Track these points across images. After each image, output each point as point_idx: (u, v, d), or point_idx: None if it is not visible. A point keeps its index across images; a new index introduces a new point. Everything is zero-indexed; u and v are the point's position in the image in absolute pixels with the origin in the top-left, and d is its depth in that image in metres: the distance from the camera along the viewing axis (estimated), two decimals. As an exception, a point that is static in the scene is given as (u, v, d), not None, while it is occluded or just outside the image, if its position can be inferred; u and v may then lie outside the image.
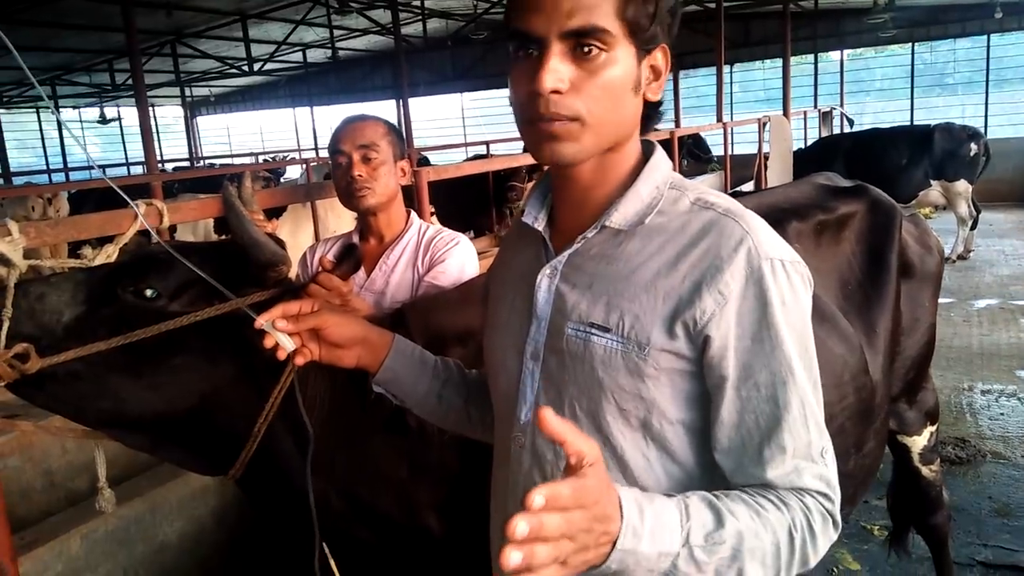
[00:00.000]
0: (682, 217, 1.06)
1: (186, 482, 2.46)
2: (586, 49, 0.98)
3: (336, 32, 15.48)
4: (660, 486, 1.06)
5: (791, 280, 1.02)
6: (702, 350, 1.01)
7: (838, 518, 1.02)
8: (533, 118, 1.00)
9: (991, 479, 4.02)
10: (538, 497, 0.75)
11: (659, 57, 1.06)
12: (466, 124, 20.24)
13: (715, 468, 1.05)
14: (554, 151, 1.01)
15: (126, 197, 1.39)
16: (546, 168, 1.18)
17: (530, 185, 7.95)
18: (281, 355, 1.23)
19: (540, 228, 1.16)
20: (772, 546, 0.94)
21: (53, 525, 2.24)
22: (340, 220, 6.44)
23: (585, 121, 1.00)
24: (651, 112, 1.11)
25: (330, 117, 21.68)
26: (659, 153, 1.13)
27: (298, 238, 6.04)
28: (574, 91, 0.98)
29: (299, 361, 1.24)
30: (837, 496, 1.02)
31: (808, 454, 1.00)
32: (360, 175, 2.05)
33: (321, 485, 1.59)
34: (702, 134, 11.95)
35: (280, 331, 1.22)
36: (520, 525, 0.74)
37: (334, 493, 1.67)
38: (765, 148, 9.80)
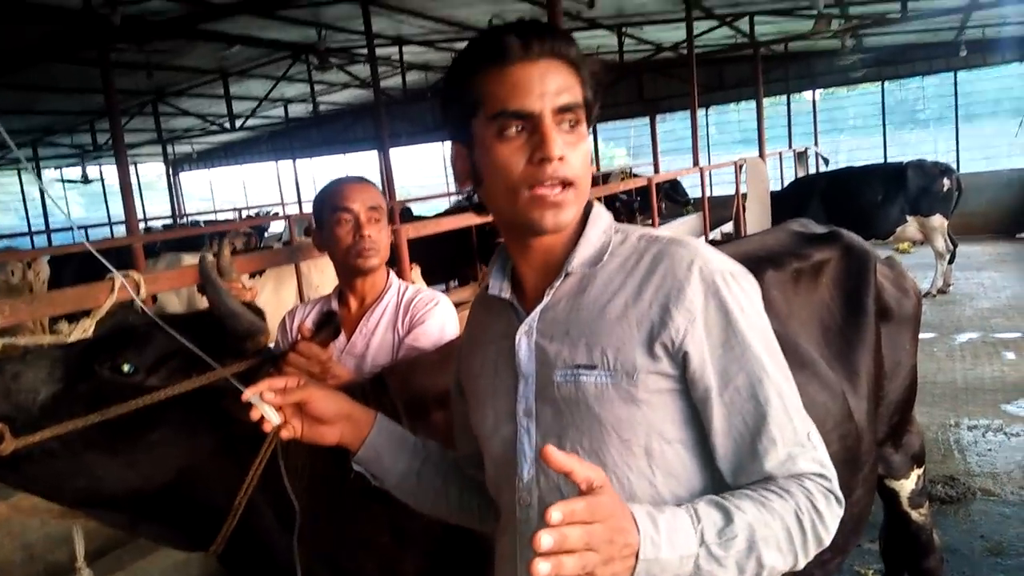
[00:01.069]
0: (634, 255, 1.17)
1: (168, 554, 2.42)
2: (571, 123, 1.10)
3: (317, 87, 15.64)
4: None
5: (743, 287, 1.13)
6: (683, 366, 1.09)
7: (839, 494, 1.09)
8: (536, 185, 1.09)
9: (982, 517, 4.00)
10: (556, 513, 0.83)
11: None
12: (448, 173, 20.39)
13: (716, 486, 1.12)
14: (558, 218, 1.11)
15: (110, 266, 1.39)
16: (501, 240, 1.26)
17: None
18: (267, 428, 1.24)
19: (507, 296, 1.24)
20: (783, 531, 1.02)
21: (32, 602, 2.18)
22: (324, 276, 6.43)
23: (578, 187, 1.11)
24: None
25: (313, 170, 21.80)
26: (597, 205, 1.25)
27: (281, 295, 6.03)
28: (566, 160, 1.09)
29: (284, 435, 1.26)
30: (833, 474, 1.10)
31: (797, 440, 1.08)
32: (371, 235, 2.06)
33: (305, 555, 1.56)
34: (679, 178, 12.15)
35: (267, 404, 1.23)
36: (544, 538, 0.81)
37: (318, 563, 1.65)
38: (743, 189, 9.92)
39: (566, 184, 1.09)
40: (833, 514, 1.07)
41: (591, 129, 1.21)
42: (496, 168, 1.11)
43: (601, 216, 1.22)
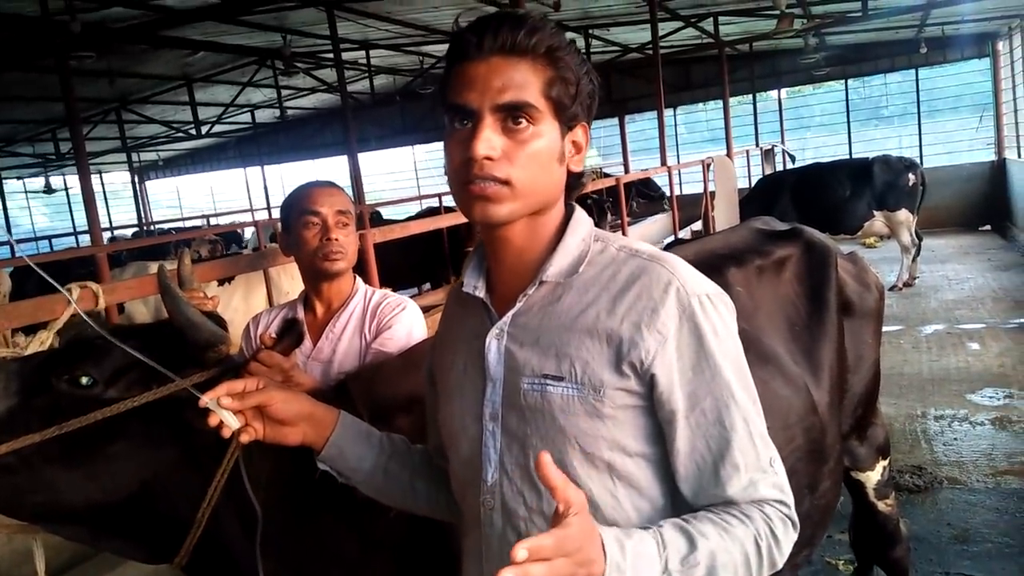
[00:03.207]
0: (611, 266, 1.16)
1: (136, 567, 2.38)
2: (516, 120, 1.08)
3: (283, 92, 15.52)
4: (630, 522, 1.12)
5: (718, 311, 1.13)
6: (650, 387, 1.09)
7: (795, 519, 1.12)
8: (466, 181, 1.09)
9: (949, 505, 4.07)
10: (521, 551, 0.83)
11: (580, 134, 1.17)
12: (419, 176, 20.34)
13: (679, 496, 1.14)
14: (485, 210, 1.10)
15: (55, 283, 1.37)
16: (478, 239, 1.25)
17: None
18: (226, 433, 1.23)
19: (481, 295, 1.22)
20: (742, 556, 1.05)
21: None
22: (294, 281, 6.37)
23: (513, 185, 1.09)
24: (573, 182, 1.20)
25: (281, 175, 21.62)
26: (579, 211, 1.23)
27: (251, 302, 5.97)
28: (505, 158, 1.08)
29: (244, 439, 1.24)
30: (791, 499, 1.13)
31: (759, 466, 1.10)
32: (338, 239, 2.05)
33: (272, 567, 1.55)
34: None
35: (225, 408, 1.21)
36: None
37: (285, 573, 1.63)
38: (711, 187, 10.01)
39: (499, 181, 1.08)
40: (789, 539, 1.10)
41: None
42: (447, 161, 1.13)
43: (581, 223, 1.20)
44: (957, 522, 3.88)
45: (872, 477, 2.65)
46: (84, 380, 1.47)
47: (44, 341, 1.66)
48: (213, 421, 1.21)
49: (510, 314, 1.17)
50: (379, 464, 1.35)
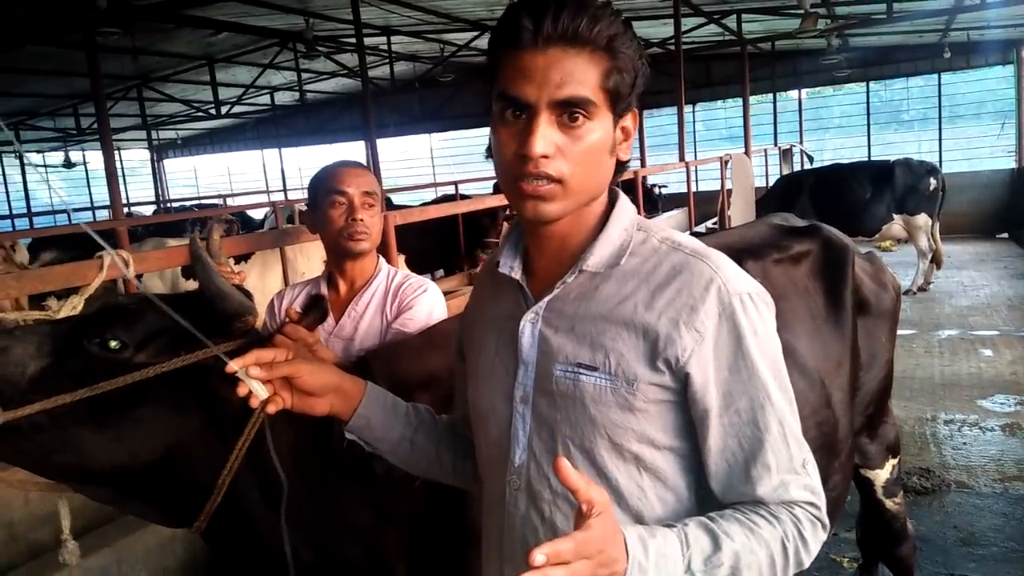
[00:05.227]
0: (653, 258, 1.13)
1: (153, 532, 2.43)
2: (572, 117, 1.05)
3: (304, 75, 15.55)
4: (655, 512, 1.12)
5: (759, 310, 1.10)
6: (684, 383, 1.08)
7: (826, 521, 1.11)
8: (518, 176, 1.06)
9: (956, 508, 4.08)
10: (539, 555, 0.84)
11: (629, 119, 1.14)
12: (435, 164, 20.36)
13: (705, 490, 1.13)
14: (538, 209, 1.08)
15: (103, 243, 1.39)
16: (515, 220, 1.24)
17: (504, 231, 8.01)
18: (254, 403, 1.23)
19: (517, 277, 1.21)
20: (767, 558, 1.04)
21: (15, 579, 2.19)
22: (310, 262, 6.42)
23: (567, 183, 1.06)
24: (618, 169, 1.17)
25: (298, 159, 21.68)
26: (623, 198, 1.20)
27: (267, 281, 6.02)
28: (559, 155, 1.05)
29: (271, 409, 1.25)
30: (823, 501, 1.11)
31: (791, 468, 1.09)
32: (363, 219, 2.08)
33: (290, 536, 1.58)
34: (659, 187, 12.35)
35: (253, 378, 1.22)
36: None
37: (303, 544, 1.66)
38: (728, 185, 9.98)
39: (552, 180, 1.05)
40: (817, 539, 1.09)
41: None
42: (496, 148, 1.10)
43: (625, 211, 1.18)
44: (964, 525, 3.89)
45: (881, 475, 2.67)
46: (114, 344, 1.49)
47: (76, 306, 1.69)
48: (242, 390, 1.22)
49: (546, 299, 1.16)
50: (405, 435, 1.37)
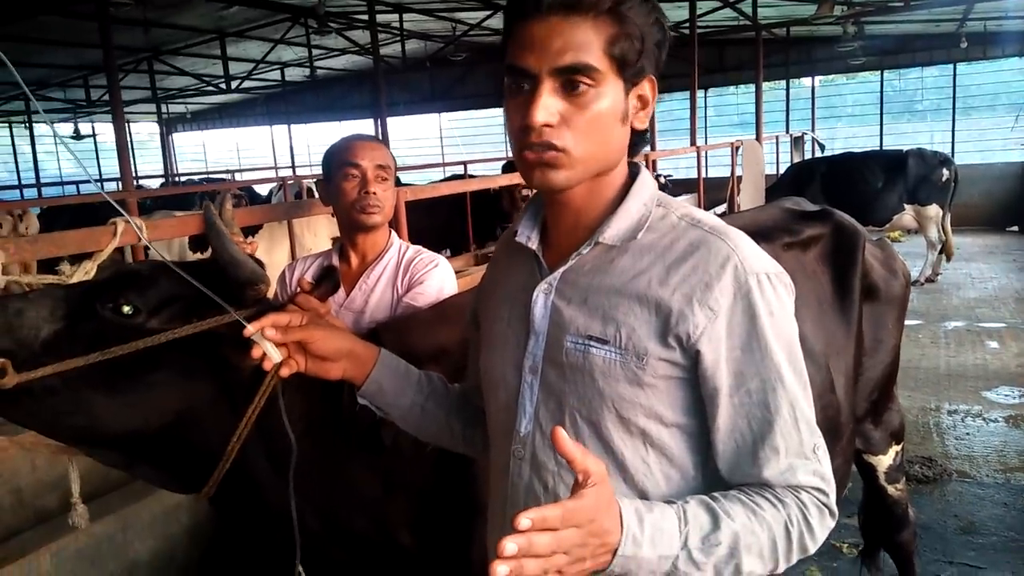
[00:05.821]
0: (670, 233, 1.13)
1: (159, 499, 2.45)
2: (575, 86, 1.04)
3: (315, 51, 15.50)
4: (659, 488, 1.12)
5: (776, 291, 1.09)
6: (695, 361, 1.07)
7: (834, 508, 1.09)
8: (524, 147, 1.07)
9: (957, 497, 4.10)
10: (524, 520, 0.84)
11: (646, 87, 1.12)
12: (444, 144, 20.31)
13: (710, 468, 1.12)
14: (545, 177, 1.08)
15: (120, 208, 1.41)
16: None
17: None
18: (267, 366, 1.24)
19: (534, 247, 1.21)
20: (769, 540, 1.02)
21: (22, 543, 2.22)
22: (317, 238, 6.44)
23: (571, 152, 1.06)
24: (637, 139, 1.16)
25: (308, 135, 21.65)
26: (644, 173, 1.20)
27: (274, 256, 6.04)
28: (564, 124, 1.05)
29: (284, 372, 1.26)
30: (832, 488, 1.10)
31: (801, 452, 1.07)
32: (376, 192, 2.09)
33: (297, 504, 1.60)
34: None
35: (268, 340, 1.23)
36: (508, 545, 0.83)
37: (310, 512, 1.68)
38: (738, 171, 9.94)
39: (557, 149, 1.05)
40: (824, 526, 1.08)
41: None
42: (506, 119, 1.11)
43: (645, 186, 1.17)
44: (964, 514, 3.91)
45: (884, 461, 2.68)
46: (127, 309, 1.50)
47: (89, 271, 1.71)
48: (256, 353, 1.23)
49: (560, 270, 1.16)
50: (416, 402, 1.38)
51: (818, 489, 1.08)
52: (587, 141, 1.07)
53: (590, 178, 1.12)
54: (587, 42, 1.04)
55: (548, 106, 1.04)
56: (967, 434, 4.92)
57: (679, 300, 1.07)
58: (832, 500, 1.09)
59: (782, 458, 1.06)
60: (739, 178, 9.79)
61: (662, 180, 11.82)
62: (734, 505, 1.03)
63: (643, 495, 1.12)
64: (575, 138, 1.06)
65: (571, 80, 1.04)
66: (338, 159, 2.11)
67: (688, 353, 1.07)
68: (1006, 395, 5.57)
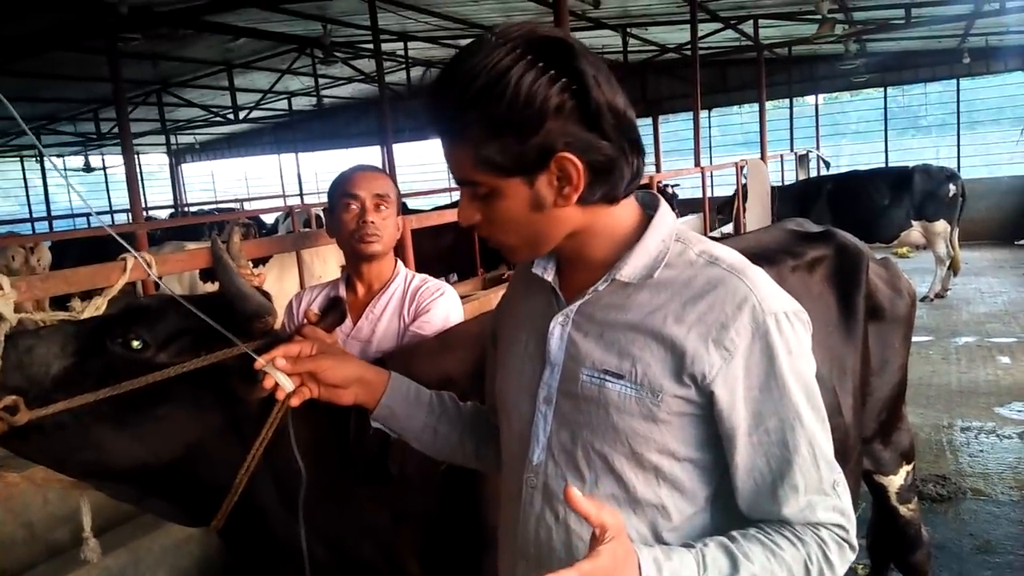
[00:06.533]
0: (688, 270, 1.12)
1: (169, 532, 2.46)
2: (474, 193, 1.11)
3: (321, 80, 15.66)
4: (671, 521, 1.13)
5: (795, 329, 1.09)
6: (710, 400, 1.07)
7: (854, 543, 1.10)
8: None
9: (972, 516, 4.05)
10: None
11: (564, 164, 1.04)
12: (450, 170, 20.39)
13: (723, 500, 1.13)
14: (512, 258, 1.19)
15: (126, 245, 1.43)
16: None
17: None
18: (280, 395, 1.28)
19: (549, 279, 1.22)
20: None
21: (35, 578, 2.22)
22: (326, 266, 6.47)
23: (505, 242, 1.14)
24: (609, 191, 1.10)
25: (315, 163, 21.81)
26: (664, 207, 1.19)
27: (284, 284, 6.06)
28: (486, 222, 1.13)
29: (295, 402, 1.29)
30: (852, 523, 1.10)
31: (820, 488, 1.07)
32: (374, 222, 2.11)
33: (305, 533, 1.60)
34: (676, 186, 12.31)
35: (279, 370, 1.26)
36: None
37: (317, 542, 1.68)
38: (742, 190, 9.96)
39: (493, 239, 1.17)
40: (844, 560, 1.08)
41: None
42: None
43: (664, 222, 1.15)
44: (980, 533, 3.86)
45: (895, 481, 2.66)
46: (136, 344, 1.51)
47: (99, 307, 1.73)
48: (268, 383, 1.26)
49: (577, 303, 1.16)
50: (428, 423, 1.39)
51: (838, 525, 1.08)
52: (509, 233, 1.12)
53: (570, 234, 1.12)
54: (461, 160, 1.08)
55: (466, 209, 1.12)
56: (981, 451, 4.87)
57: (694, 339, 1.07)
58: (852, 535, 1.10)
59: (801, 496, 1.07)
60: (744, 197, 9.80)
61: (669, 192, 11.86)
62: (753, 546, 1.04)
63: (654, 528, 1.12)
64: (499, 232, 1.13)
65: (471, 189, 1.10)
66: (339, 191, 2.16)
67: (703, 392, 1.07)
68: (1019, 411, 5.52)
